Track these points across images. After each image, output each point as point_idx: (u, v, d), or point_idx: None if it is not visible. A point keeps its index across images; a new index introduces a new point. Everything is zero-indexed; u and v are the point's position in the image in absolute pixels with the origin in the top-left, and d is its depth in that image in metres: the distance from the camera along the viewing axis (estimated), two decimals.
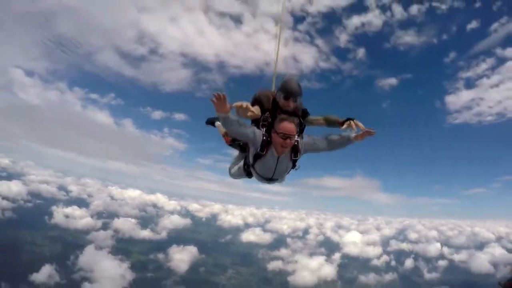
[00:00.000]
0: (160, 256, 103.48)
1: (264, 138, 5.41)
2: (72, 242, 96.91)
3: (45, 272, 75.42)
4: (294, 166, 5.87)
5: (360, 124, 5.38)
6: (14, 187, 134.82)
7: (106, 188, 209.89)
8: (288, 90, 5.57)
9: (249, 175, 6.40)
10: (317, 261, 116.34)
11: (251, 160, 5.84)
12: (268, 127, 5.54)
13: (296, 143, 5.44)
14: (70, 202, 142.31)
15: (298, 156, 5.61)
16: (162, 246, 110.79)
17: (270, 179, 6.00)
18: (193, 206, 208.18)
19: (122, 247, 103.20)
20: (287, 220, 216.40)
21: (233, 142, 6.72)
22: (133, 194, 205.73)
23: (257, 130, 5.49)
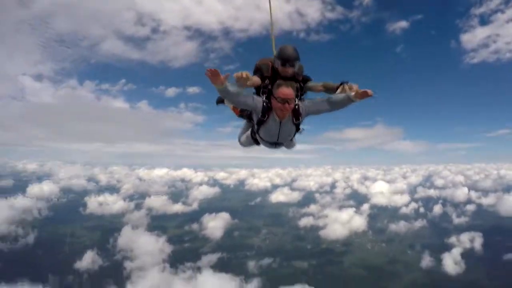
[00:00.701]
0: (195, 226, 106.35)
1: (265, 104, 5.67)
2: (109, 227, 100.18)
3: (88, 258, 78.58)
4: (298, 129, 6.13)
5: (354, 86, 5.54)
6: (45, 187, 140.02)
7: (134, 172, 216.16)
8: (284, 57, 5.78)
9: (257, 142, 6.77)
10: (346, 214, 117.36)
11: (255, 126, 6.17)
12: (269, 94, 5.75)
13: (296, 107, 5.69)
14: (101, 190, 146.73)
15: (300, 119, 5.86)
16: (195, 217, 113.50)
17: (275, 144, 6.37)
18: (220, 175, 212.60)
19: (157, 223, 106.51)
20: (313, 177, 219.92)
21: (242, 113, 7.05)
22: (160, 172, 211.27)
23: (256, 97, 5.75)
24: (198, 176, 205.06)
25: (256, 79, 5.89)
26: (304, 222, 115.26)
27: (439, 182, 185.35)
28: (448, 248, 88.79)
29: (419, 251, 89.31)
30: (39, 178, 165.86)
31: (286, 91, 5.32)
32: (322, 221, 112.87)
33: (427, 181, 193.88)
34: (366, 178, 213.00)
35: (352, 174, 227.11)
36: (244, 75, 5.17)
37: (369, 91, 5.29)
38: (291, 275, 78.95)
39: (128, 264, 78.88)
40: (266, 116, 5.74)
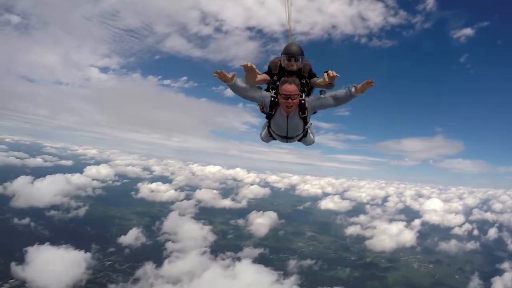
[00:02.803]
0: (240, 222, 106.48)
1: (272, 99, 6.09)
2: (158, 214, 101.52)
3: (132, 235, 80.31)
4: (306, 123, 6.45)
5: (331, 73, 5.84)
6: (102, 170, 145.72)
7: (187, 166, 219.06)
8: (289, 52, 6.28)
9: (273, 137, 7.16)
10: (396, 227, 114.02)
11: (267, 120, 6.68)
12: (277, 89, 6.14)
13: (303, 101, 6.06)
14: (154, 179, 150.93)
15: (306, 113, 6.19)
16: (242, 213, 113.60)
17: (286, 137, 6.75)
18: (272, 178, 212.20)
19: (204, 215, 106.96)
20: (366, 189, 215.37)
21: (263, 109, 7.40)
22: (213, 169, 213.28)
23: (264, 92, 6.27)
24: (250, 177, 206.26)
25: (265, 76, 6.48)
26: (351, 230, 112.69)
27: (497, 206, 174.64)
28: (499, 273, 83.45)
29: (467, 274, 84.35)
30: (97, 163, 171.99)
31: (289, 87, 5.70)
32: (369, 232, 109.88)
33: (484, 204, 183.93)
34: (420, 195, 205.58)
35: (406, 190, 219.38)
36: (249, 65, 5.80)
37: (369, 81, 5.58)
38: (331, 280, 76.76)
39: (169, 245, 79.95)
40: (274, 110, 6.20)
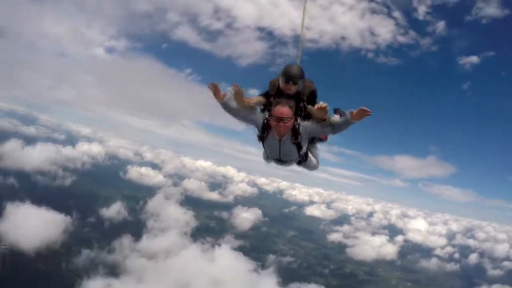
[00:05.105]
0: (225, 214, 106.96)
1: (265, 121, 5.68)
2: (143, 197, 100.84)
3: (114, 209, 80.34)
4: (300, 148, 5.94)
5: (320, 105, 5.46)
6: (94, 148, 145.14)
7: (179, 158, 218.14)
8: (287, 74, 5.67)
9: None
10: (379, 240, 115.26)
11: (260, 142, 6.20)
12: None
13: (297, 126, 5.59)
14: (144, 164, 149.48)
15: (299, 139, 5.71)
16: (227, 207, 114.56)
17: (280, 160, 6.31)
18: (261, 180, 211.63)
19: (190, 203, 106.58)
20: (353, 203, 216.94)
21: None
22: (204, 164, 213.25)
23: (259, 114, 5.89)
24: (239, 175, 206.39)
25: (258, 99, 6.05)
26: (334, 237, 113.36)
27: (480, 235, 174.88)
28: None
29: None
30: (90, 141, 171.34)
31: (281, 109, 5.28)
32: (352, 241, 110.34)
33: (468, 232, 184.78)
34: (405, 215, 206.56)
35: (392, 210, 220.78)
36: (237, 89, 5.51)
37: (366, 109, 5.11)
38: (308, 278, 76.75)
39: (150, 223, 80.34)
40: (266, 133, 5.78)
